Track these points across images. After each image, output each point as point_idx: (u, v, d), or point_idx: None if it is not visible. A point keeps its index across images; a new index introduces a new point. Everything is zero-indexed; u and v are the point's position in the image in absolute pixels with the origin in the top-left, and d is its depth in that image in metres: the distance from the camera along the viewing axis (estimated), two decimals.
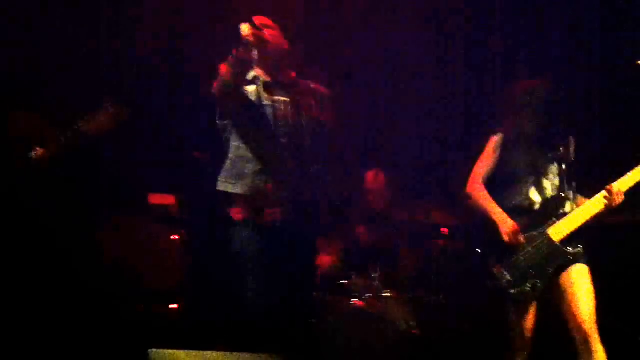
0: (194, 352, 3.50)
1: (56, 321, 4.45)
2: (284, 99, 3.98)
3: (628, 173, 4.01)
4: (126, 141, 5.30)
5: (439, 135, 5.97)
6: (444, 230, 5.24)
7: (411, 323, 4.73)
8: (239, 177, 3.90)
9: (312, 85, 4.08)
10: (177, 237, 5.02)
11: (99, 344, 4.52)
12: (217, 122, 4.02)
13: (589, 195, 4.07)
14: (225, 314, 4.45)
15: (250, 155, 3.90)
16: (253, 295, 3.87)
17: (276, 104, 3.96)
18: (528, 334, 4.04)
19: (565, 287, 3.96)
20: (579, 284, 3.95)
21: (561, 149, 4.11)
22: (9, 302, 4.28)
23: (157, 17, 5.64)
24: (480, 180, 4.16)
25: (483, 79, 5.77)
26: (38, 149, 4.28)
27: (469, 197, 4.18)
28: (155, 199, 5.28)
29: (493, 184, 4.17)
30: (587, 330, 3.86)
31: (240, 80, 3.88)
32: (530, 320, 4.03)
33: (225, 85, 3.83)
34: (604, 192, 4.00)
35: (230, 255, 3.95)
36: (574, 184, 4.12)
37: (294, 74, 4.05)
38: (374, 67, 5.97)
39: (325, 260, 5.22)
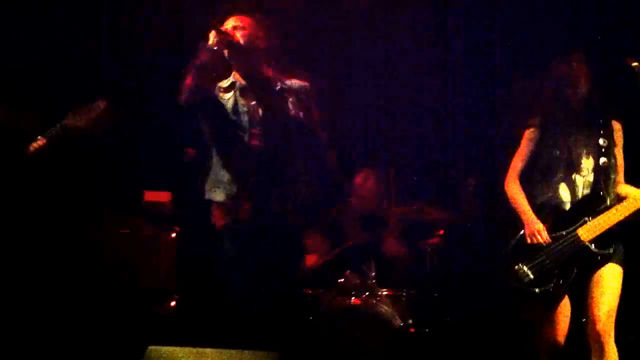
0: (190, 349, 3.49)
1: (53, 319, 4.43)
2: (261, 103, 3.95)
3: None
4: (121, 138, 5.28)
5: (435, 132, 5.96)
6: (440, 231, 5.24)
7: (407, 321, 4.74)
8: (217, 184, 3.95)
9: (290, 82, 4.01)
10: (173, 234, 5.00)
11: (96, 341, 4.51)
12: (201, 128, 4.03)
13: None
14: (221, 311, 4.44)
15: (226, 163, 3.93)
16: (239, 299, 3.93)
17: (252, 109, 3.94)
18: (558, 338, 3.91)
19: (591, 286, 3.84)
20: (604, 284, 3.82)
21: (600, 140, 3.95)
22: (4, 302, 4.26)
23: (152, 13, 5.62)
24: (515, 176, 4.06)
25: (480, 74, 5.76)
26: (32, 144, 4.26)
27: (504, 194, 4.08)
28: (150, 196, 5.26)
29: (530, 179, 4.06)
30: (599, 331, 3.76)
31: (207, 85, 3.89)
32: (559, 324, 3.91)
33: (190, 92, 3.83)
34: None
35: (215, 261, 3.99)
36: (615, 178, 3.94)
37: (270, 73, 4.00)
38: (371, 63, 5.95)
39: (311, 258, 5.22)
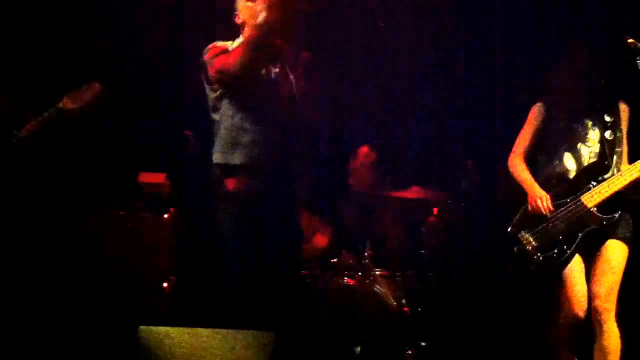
0: (184, 329, 3.49)
1: (45, 300, 4.44)
2: (276, 69, 3.91)
3: None
4: (116, 120, 5.27)
5: (432, 114, 5.95)
6: (434, 210, 5.23)
7: (401, 301, 4.74)
8: (234, 147, 3.82)
9: (296, 52, 4.00)
10: (167, 216, 4.99)
11: (89, 322, 4.51)
12: (207, 88, 3.92)
13: None
14: (218, 289, 4.45)
15: (247, 125, 3.81)
16: (238, 268, 3.85)
17: (271, 75, 3.88)
18: (577, 312, 3.88)
19: (594, 262, 3.90)
20: (607, 261, 3.87)
21: (607, 116, 4.01)
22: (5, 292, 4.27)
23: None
24: (521, 152, 4.13)
25: (481, 60, 5.73)
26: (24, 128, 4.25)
27: (509, 169, 4.15)
28: (146, 177, 5.24)
29: (537, 155, 4.13)
30: (598, 307, 3.81)
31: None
32: (576, 298, 3.89)
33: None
34: None
35: (217, 228, 3.91)
36: (621, 151, 3.98)
37: (279, 42, 3.90)
38: (370, 48, 5.93)
39: (320, 240, 5.22)
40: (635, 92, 3.93)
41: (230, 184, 3.83)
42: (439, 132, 5.94)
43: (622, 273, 3.87)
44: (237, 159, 3.82)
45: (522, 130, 4.17)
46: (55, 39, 5.22)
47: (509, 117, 4.84)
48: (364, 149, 5.51)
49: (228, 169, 3.83)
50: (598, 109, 4.04)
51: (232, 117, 3.83)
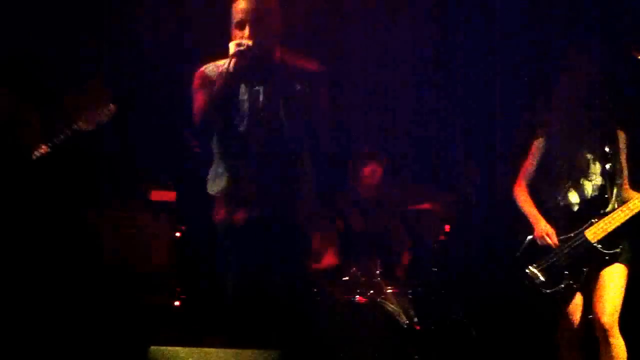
0: (194, 349, 3.49)
1: (55, 317, 4.45)
2: (263, 87, 3.72)
3: None
4: (127, 133, 5.29)
5: (439, 127, 5.94)
6: (447, 227, 5.22)
7: (413, 319, 4.73)
8: (216, 177, 3.78)
9: (300, 64, 3.78)
10: (178, 234, 5.01)
11: (99, 341, 4.52)
12: None
13: None
14: (225, 310, 4.45)
15: (228, 154, 3.74)
16: (238, 298, 3.81)
17: (254, 95, 3.72)
18: (575, 331, 4.08)
19: (597, 283, 4.01)
20: (609, 281, 3.98)
21: (607, 147, 4.08)
22: (6, 298, 4.27)
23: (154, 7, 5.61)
24: (524, 182, 4.22)
25: (483, 71, 5.73)
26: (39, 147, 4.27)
27: (514, 198, 4.24)
28: (157, 195, 5.27)
29: (539, 184, 4.22)
30: (604, 324, 3.92)
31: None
32: (574, 319, 4.07)
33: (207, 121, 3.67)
34: None
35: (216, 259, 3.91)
36: (621, 183, 4.08)
37: (278, 54, 3.76)
38: (372, 54, 5.93)
39: (331, 259, 5.20)
40: None
41: (216, 214, 3.81)
42: (445, 142, 5.94)
43: (624, 291, 4.00)
44: (216, 187, 3.78)
45: (525, 162, 4.27)
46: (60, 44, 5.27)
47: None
48: (367, 170, 5.40)
49: (212, 198, 3.82)
50: (598, 140, 4.11)
51: (216, 146, 3.79)
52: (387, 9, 5.79)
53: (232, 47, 3.62)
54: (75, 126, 4.27)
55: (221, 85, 3.61)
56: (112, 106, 4.30)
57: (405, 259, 5.25)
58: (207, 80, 3.73)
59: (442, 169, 5.80)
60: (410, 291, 4.89)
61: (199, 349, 3.50)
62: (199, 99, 3.70)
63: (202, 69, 3.79)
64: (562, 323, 4.10)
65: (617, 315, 3.94)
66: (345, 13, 5.75)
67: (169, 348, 3.47)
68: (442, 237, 5.17)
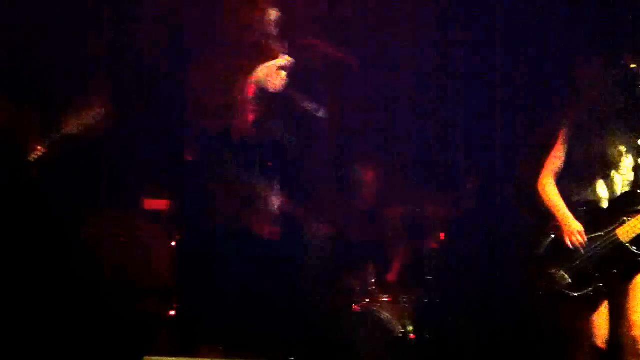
0: (188, 359, 3.49)
1: (49, 327, 4.42)
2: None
3: None
4: (120, 142, 5.27)
5: (437, 130, 5.93)
6: (441, 235, 5.21)
7: (407, 327, 4.72)
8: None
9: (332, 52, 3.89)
10: (173, 243, 4.98)
11: (93, 351, 4.49)
12: None
13: None
14: (221, 319, 4.43)
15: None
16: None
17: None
18: (598, 342, 3.80)
19: (629, 290, 3.74)
20: (637, 291, 3.72)
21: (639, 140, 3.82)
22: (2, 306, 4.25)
23: (155, 15, 5.59)
24: (551, 175, 3.94)
25: (482, 72, 5.72)
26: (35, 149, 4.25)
27: (539, 192, 3.96)
28: (149, 204, 5.24)
29: (565, 179, 3.94)
30: (637, 337, 3.66)
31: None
32: (600, 328, 3.80)
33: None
34: None
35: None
36: None
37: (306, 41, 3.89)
38: (371, 62, 5.92)
39: None
40: None
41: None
42: (443, 150, 5.93)
43: None
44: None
45: (553, 151, 3.97)
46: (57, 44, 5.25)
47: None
48: (366, 177, 5.39)
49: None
50: (632, 131, 3.85)
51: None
52: (388, 12, 5.78)
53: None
54: (66, 128, 4.24)
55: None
56: (99, 110, 4.27)
57: (401, 267, 5.23)
58: (260, 92, 3.78)
59: (441, 174, 5.78)
60: (404, 299, 4.86)
61: (194, 359, 3.49)
62: (251, 111, 3.72)
63: (253, 77, 3.79)
64: (586, 332, 3.81)
65: None
66: (345, 15, 5.74)
67: (163, 358, 3.46)
68: (435, 245, 5.16)
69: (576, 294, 3.75)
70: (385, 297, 4.84)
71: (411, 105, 5.91)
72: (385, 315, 4.71)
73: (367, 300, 4.80)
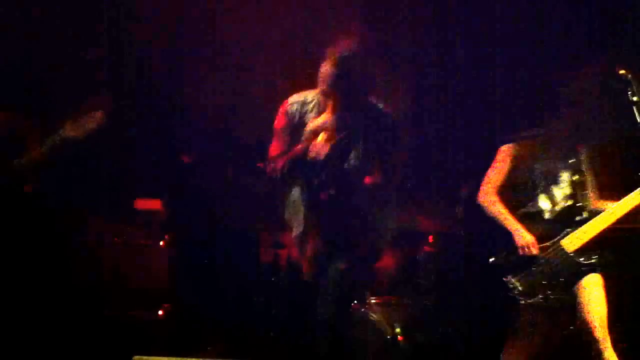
0: (177, 359, 3.49)
1: (40, 327, 4.43)
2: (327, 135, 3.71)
3: None
4: (114, 144, 5.28)
5: (428, 139, 5.95)
6: (430, 238, 5.23)
7: (396, 329, 4.73)
8: (292, 213, 3.81)
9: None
10: (162, 242, 5.00)
11: (83, 350, 4.50)
12: None
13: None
14: (212, 319, 4.46)
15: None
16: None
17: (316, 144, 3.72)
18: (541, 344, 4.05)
19: (578, 295, 3.95)
20: (588, 292, 3.93)
21: (577, 156, 4.10)
22: None
23: (152, 17, 5.61)
24: (492, 190, 4.15)
25: (478, 82, 5.75)
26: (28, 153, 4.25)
27: (481, 207, 4.18)
28: (142, 204, 5.26)
29: (507, 193, 4.16)
30: (597, 337, 3.85)
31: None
32: (551, 331, 4.06)
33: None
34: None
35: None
36: (587, 194, 4.08)
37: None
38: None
39: None
40: (628, 122, 3.93)
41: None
42: (436, 159, 5.95)
43: (605, 302, 3.93)
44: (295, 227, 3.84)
45: (492, 168, 4.20)
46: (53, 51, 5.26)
47: None
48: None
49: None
50: (565, 152, 4.13)
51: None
52: (387, 12, 5.79)
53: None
54: (63, 132, 4.24)
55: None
56: (99, 114, 4.28)
57: (391, 269, 5.25)
58: (292, 122, 3.74)
59: (434, 179, 5.80)
60: (394, 302, 4.88)
61: (183, 358, 3.50)
62: (282, 141, 3.72)
63: (287, 104, 3.78)
64: (531, 337, 4.06)
65: (605, 325, 3.87)
66: (345, 14, 5.75)
67: (153, 357, 3.47)
68: (427, 248, 5.19)
69: (525, 302, 3.98)
70: (375, 299, 4.85)
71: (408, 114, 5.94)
72: (374, 316, 4.73)
73: (357, 301, 4.80)
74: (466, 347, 4.99)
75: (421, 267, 5.16)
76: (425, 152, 5.89)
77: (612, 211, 3.96)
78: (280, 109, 3.76)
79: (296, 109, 3.74)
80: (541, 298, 3.97)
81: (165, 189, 5.39)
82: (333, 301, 3.70)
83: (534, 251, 3.98)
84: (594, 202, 4.09)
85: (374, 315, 4.73)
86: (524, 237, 4.00)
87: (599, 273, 3.98)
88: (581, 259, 3.97)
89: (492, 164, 4.20)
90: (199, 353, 3.66)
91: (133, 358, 3.43)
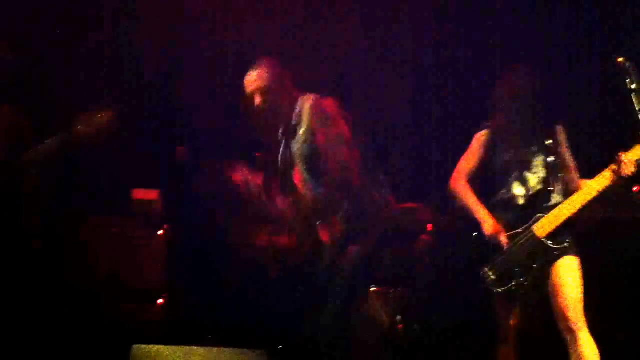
0: (177, 348, 3.50)
1: (38, 319, 4.42)
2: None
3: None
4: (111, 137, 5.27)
5: (422, 132, 5.96)
6: (429, 226, 5.23)
7: (395, 318, 4.74)
8: None
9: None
10: (161, 232, 4.99)
11: (82, 340, 4.50)
12: None
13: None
14: (210, 310, 4.46)
15: None
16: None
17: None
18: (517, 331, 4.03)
19: (552, 279, 3.93)
20: (564, 275, 3.92)
21: (548, 141, 4.07)
22: None
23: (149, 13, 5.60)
24: (464, 177, 4.16)
25: (475, 76, 5.75)
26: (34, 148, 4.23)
27: (452, 194, 4.20)
28: (139, 194, 5.25)
29: (480, 181, 4.16)
30: (571, 319, 3.85)
31: None
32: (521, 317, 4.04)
33: None
34: (610, 167, 3.89)
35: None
36: (564, 176, 4.05)
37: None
38: (366, 65, 5.94)
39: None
40: (624, 111, 3.93)
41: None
42: (436, 151, 5.95)
43: (581, 285, 3.92)
44: None
45: (465, 155, 4.21)
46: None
47: None
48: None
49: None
50: (539, 133, 4.10)
51: None
52: (386, 12, 5.80)
53: None
54: (75, 129, 4.21)
55: None
56: (111, 112, 4.26)
57: (387, 258, 5.24)
58: None
59: (429, 170, 5.81)
60: (392, 290, 4.88)
61: (183, 347, 3.50)
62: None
63: None
64: (513, 323, 4.04)
65: (580, 308, 3.87)
66: (344, 14, 5.76)
67: (153, 347, 3.47)
68: (425, 237, 5.19)
69: (500, 290, 3.98)
70: (373, 288, 4.85)
71: (406, 107, 5.95)
72: (373, 305, 4.73)
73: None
74: (464, 337, 5.01)
75: (419, 257, 5.15)
76: (424, 142, 5.91)
77: (583, 193, 3.94)
78: None
79: None
80: (513, 286, 3.94)
81: (163, 180, 5.38)
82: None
83: (502, 239, 3.96)
84: (573, 183, 4.07)
85: (373, 304, 4.73)
86: (489, 224, 3.99)
87: (575, 256, 3.96)
88: (552, 244, 3.93)
89: (466, 152, 4.21)
90: (198, 342, 3.64)
91: (132, 347, 3.43)
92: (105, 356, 4.36)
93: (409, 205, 5.18)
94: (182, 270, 5.11)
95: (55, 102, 5.00)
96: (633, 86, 3.77)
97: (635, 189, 4.56)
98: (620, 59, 3.84)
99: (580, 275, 3.94)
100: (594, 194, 3.92)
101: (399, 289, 4.95)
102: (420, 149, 5.95)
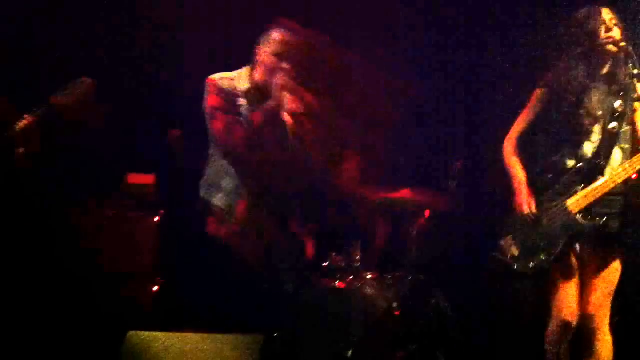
0: (172, 334, 3.48)
1: (31, 305, 4.40)
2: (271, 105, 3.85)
3: None
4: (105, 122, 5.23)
5: (421, 116, 5.93)
6: (426, 212, 5.20)
7: (392, 304, 4.72)
8: (217, 188, 3.94)
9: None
10: (156, 218, 4.96)
11: (77, 327, 4.48)
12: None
13: None
14: (205, 296, 4.43)
15: (231, 171, 3.93)
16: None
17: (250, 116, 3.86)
18: (566, 318, 3.67)
19: (588, 268, 3.67)
20: (600, 268, 3.64)
21: (617, 103, 3.61)
22: None
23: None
24: (516, 137, 3.83)
25: (469, 60, 5.71)
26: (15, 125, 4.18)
27: (503, 153, 3.86)
28: (134, 178, 5.22)
29: (534, 141, 3.83)
30: (594, 316, 3.63)
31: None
32: (566, 303, 3.67)
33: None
34: None
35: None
36: (628, 148, 3.62)
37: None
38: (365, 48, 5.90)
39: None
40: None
41: (210, 224, 3.90)
42: (429, 132, 5.92)
43: (616, 282, 3.67)
44: (217, 201, 3.92)
45: (521, 114, 3.86)
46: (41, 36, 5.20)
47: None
48: (350, 159, 5.38)
49: (209, 207, 3.94)
50: (610, 92, 3.65)
51: (219, 160, 3.92)
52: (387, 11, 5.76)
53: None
54: (52, 98, 4.16)
55: None
56: (88, 80, 4.20)
57: (384, 245, 5.22)
58: (225, 101, 3.90)
59: (424, 159, 5.78)
60: (389, 277, 4.86)
61: (178, 333, 3.49)
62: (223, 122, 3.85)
63: (216, 81, 3.90)
64: (553, 309, 3.71)
65: (606, 307, 3.65)
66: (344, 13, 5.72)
67: (148, 333, 3.46)
68: (422, 221, 5.15)
69: (516, 266, 3.68)
70: (370, 275, 4.83)
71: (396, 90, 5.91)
72: (370, 291, 4.71)
73: (352, 277, 4.78)
74: (462, 323, 4.99)
75: (416, 241, 5.12)
76: (419, 127, 5.88)
77: (623, 168, 3.55)
78: (210, 90, 3.89)
79: (227, 87, 3.92)
80: (533, 263, 3.63)
81: (157, 164, 5.35)
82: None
83: (531, 210, 3.65)
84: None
85: (370, 290, 4.71)
86: (524, 194, 3.69)
87: (620, 251, 3.62)
88: (584, 220, 3.58)
89: (524, 109, 3.83)
90: (193, 327, 3.63)
91: (128, 334, 3.41)
92: (99, 342, 4.33)
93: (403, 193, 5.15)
94: (177, 255, 5.08)
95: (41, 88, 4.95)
96: (635, 71, 3.59)
97: None
98: (622, 44, 3.63)
99: (619, 272, 3.65)
100: (632, 172, 3.52)
101: (396, 274, 4.92)
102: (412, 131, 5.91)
